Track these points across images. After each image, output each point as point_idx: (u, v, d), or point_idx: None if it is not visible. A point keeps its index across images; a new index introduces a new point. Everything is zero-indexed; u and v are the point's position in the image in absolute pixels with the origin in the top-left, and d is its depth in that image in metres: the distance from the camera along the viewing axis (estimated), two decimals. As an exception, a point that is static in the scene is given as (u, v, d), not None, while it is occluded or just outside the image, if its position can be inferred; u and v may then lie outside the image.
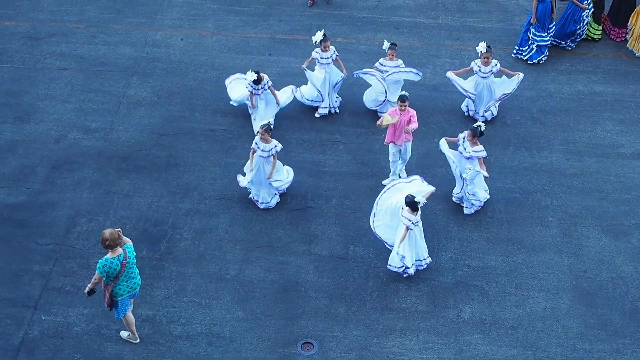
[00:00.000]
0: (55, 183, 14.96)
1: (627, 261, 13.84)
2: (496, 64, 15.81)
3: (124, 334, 12.55)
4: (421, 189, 13.38)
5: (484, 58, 15.71)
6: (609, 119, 16.67)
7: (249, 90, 15.52)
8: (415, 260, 13.34)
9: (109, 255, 11.49)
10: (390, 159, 14.89)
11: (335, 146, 15.90)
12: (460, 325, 12.85)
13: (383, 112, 15.49)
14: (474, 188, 14.18)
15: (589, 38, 18.68)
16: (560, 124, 16.52)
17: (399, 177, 14.88)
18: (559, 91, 17.36)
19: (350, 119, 16.51)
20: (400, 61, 15.97)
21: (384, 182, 14.84)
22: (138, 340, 12.49)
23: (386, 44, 15.89)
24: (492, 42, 18.20)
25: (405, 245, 13.08)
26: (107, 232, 11.33)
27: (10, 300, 13.03)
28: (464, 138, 14.01)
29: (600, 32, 18.71)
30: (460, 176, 14.14)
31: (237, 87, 16.11)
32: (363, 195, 14.84)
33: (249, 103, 15.74)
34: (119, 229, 11.45)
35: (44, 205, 14.53)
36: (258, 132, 13.98)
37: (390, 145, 14.70)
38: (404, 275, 13.40)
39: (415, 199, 12.75)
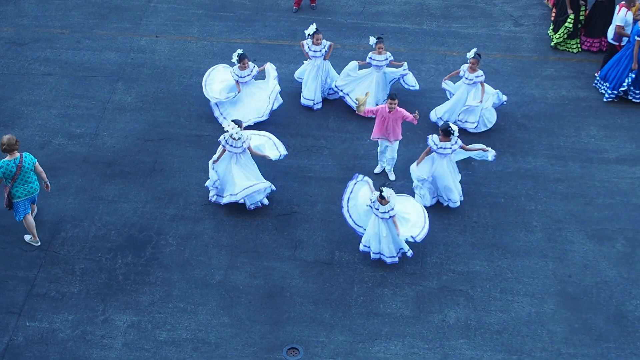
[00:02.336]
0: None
1: (611, 266, 13.90)
2: (480, 76, 15.81)
3: (27, 237, 13.94)
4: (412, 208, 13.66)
5: (470, 64, 15.76)
6: (593, 124, 16.75)
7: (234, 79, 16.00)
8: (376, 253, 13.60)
9: (6, 158, 13.24)
10: (379, 149, 15.21)
11: (321, 151, 15.92)
12: (445, 330, 12.87)
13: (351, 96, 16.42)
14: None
15: (569, 51, 18.73)
16: (545, 129, 16.59)
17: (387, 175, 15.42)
18: (543, 96, 17.43)
19: (335, 124, 16.54)
20: (388, 54, 16.36)
21: (375, 171, 15.38)
22: (39, 244, 13.84)
23: (372, 39, 16.20)
24: (477, 48, 18.23)
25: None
26: (6, 137, 13.19)
27: (-6, 307, 12.99)
28: (434, 142, 14.21)
29: (556, 38, 18.75)
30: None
31: (217, 81, 16.38)
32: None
33: (233, 94, 16.08)
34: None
35: (28, 211, 14.48)
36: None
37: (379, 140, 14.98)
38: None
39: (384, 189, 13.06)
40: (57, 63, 17.92)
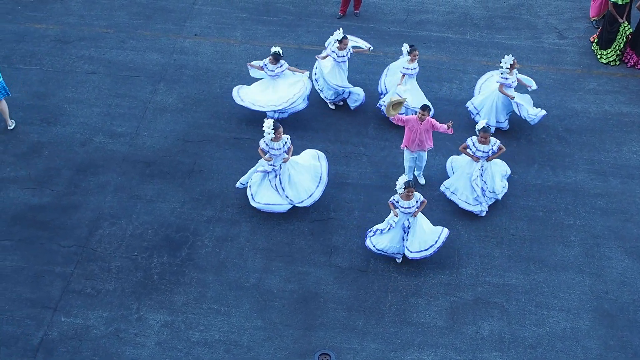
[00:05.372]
0: (79, 186, 15.06)
1: (650, 284, 13.75)
2: (515, 81, 15.77)
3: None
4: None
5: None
6: (635, 140, 16.55)
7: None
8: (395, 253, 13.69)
9: None
10: (406, 164, 15.04)
11: (359, 158, 15.90)
12: (478, 342, 12.79)
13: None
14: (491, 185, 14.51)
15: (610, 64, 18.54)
16: (586, 143, 16.44)
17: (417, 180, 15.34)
18: (586, 110, 17.27)
19: (374, 131, 16.51)
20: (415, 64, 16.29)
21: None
22: (12, 126, 16.09)
23: (406, 47, 16.04)
24: (520, 60, 18.13)
25: (385, 233, 13.55)
26: None
27: (30, 301, 13.11)
28: (473, 143, 14.19)
29: (607, 56, 18.51)
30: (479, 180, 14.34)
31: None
32: (385, 208, 14.78)
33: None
34: None
35: (67, 208, 14.62)
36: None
37: (405, 151, 14.79)
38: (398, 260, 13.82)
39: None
40: (101, 62, 18.10)
